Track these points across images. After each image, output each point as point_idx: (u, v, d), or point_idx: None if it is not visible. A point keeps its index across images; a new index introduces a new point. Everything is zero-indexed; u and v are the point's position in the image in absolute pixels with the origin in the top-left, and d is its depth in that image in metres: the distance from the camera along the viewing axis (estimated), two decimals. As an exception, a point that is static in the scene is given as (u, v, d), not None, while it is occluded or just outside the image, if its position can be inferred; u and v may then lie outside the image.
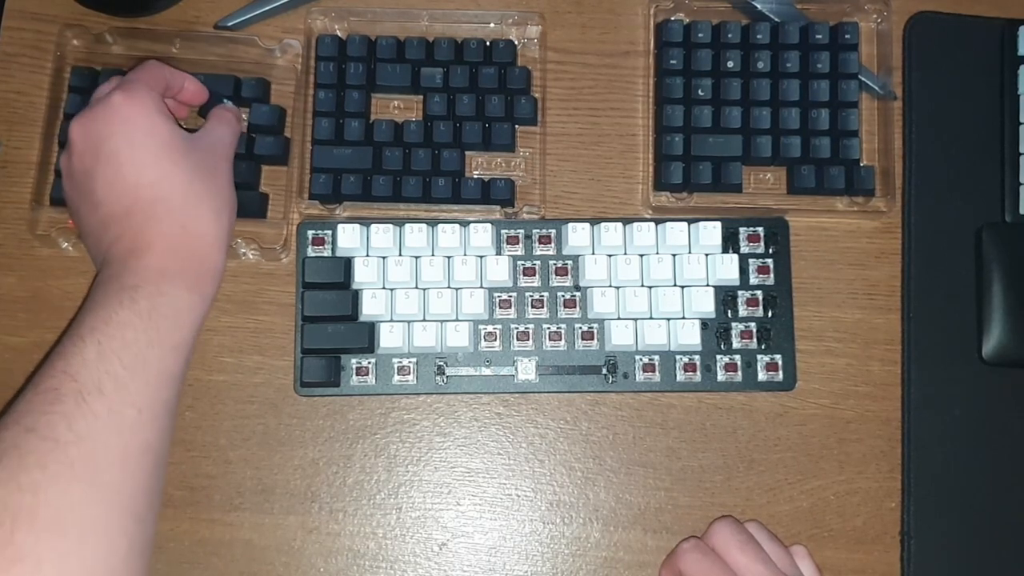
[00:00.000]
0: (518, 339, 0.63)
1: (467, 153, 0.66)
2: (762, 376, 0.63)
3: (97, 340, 0.49)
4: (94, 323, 0.50)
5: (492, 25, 0.69)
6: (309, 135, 0.66)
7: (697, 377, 0.63)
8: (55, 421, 0.46)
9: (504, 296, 0.63)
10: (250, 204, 0.64)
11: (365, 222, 0.64)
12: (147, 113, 0.55)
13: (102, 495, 0.46)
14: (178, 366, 0.52)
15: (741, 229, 0.65)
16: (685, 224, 0.64)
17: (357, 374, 0.62)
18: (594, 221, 0.64)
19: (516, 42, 0.68)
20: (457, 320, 0.63)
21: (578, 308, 0.64)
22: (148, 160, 0.54)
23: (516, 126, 0.67)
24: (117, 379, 0.48)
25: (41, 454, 0.45)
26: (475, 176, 0.67)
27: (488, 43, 0.67)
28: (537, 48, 0.68)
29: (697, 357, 0.63)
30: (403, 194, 0.65)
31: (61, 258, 0.65)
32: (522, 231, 0.64)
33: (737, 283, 0.64)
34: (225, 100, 0.64)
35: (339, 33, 0.68)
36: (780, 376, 0.63)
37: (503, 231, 0.64)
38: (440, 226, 0.64)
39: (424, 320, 0.63)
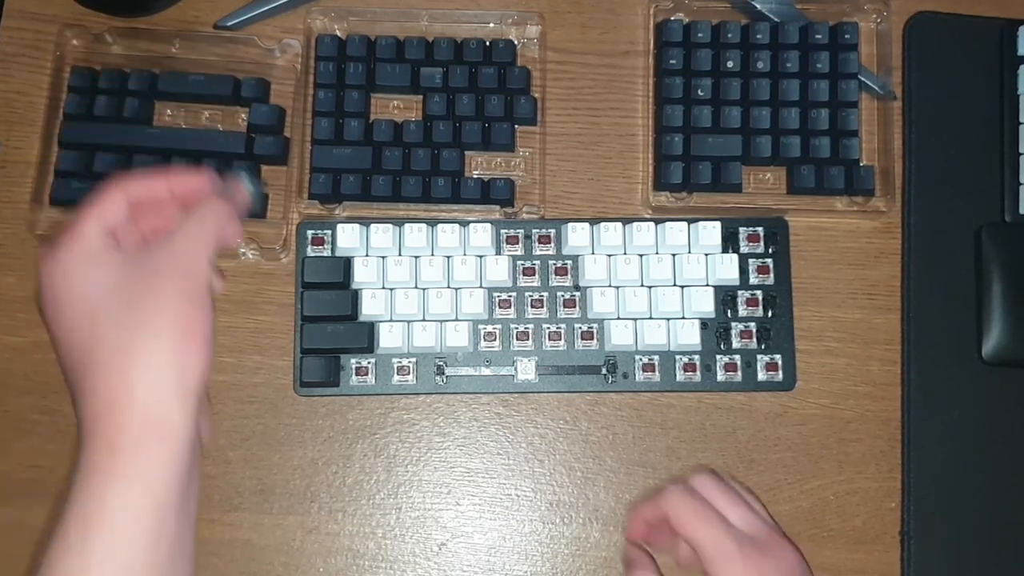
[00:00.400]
0: (518, 339, 0.63)
1: (467, 153, 0.66)
2: (762, 376, 0.63)
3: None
4: (53, 554, 0.41)
5: (491, 25, 0.69)
6: (309, 135, 0.66)
7: (697, 377, 0.63)
8: None
9: (504, 296, 0.63)
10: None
11: (365, 222, 0.63)
12: (66, 271, 0.44)
13: None
14: (155, 551, 0.42)
15: (741, 229, 0.65)
16: (685, 224, 0.64)
17: (357, 374, 0.62)
18: (594, 221, 0.64)
19: (516, 42, 0.68)
20: (457, 320, 0.63)
21: (578, 308, 0.63)
22: (75, 328, 0.44)
23: (516, 126, 0.67)
24: None
25: None
26: (475, 176, 0.67)
27: (488, 43, 0.67)
28: (537, 48, 0.68)
29: (697, 357, 0.63)
30: (403, 194, 0.65)
31: None
32: (522, 231, 0.64)
33: (737, 283, 0.64)
34: (242, 173, 0.57)
35: (339, 33, 0.68)
36: (780, 376, 0.63)
37: (503, 231, 0.64)
38: (440, 226, 0.64)
39: (424, 320, 0.62)
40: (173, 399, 0.42)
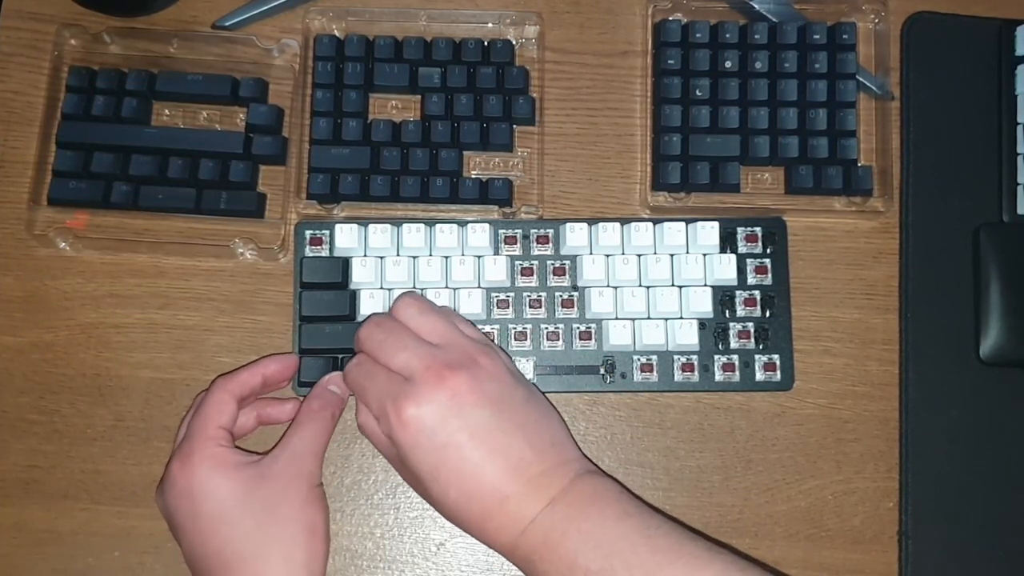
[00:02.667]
0: (516, 339, 0.63)
1: (465, 153, 0.66)
2: (760, 376, 0.63)
3: None
4: None
5: (490, 25, 0.68)
6: (307, 135, 0.66)
7: (695, 377, 0.63)
8: None
9: (502, 296, 0.63)
10: (248, 204, 0.64)
11: (363, 222, 0.63)
12: (201, 480, 0.53)
13: None
14: None
15: (739, 229, 0.65)
16: (683, 224, 0.64)
17: None
18: (592, 221, 0.64)
19: (514, 42, 0.67)
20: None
21: (576, 308, 0.63)
22: (208, 527, 0.52)
23: (514, 126, 0.67)
24: None
25: None
26: (473, 176, 0.66)
27: (486, 43, 0.67)
28: (535, 48, 0.68)
29: (695, 357, 0.63)
30: (401, 194, 0.65)
31: (59, 258, 0.65)
32: (520, 231, 0.64)
33: (735, 283, 0.64)
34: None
35: (337, 33, 0.68)
36: (778, 376, 0.63)
37: (501, 231, 0.64)
38: (438, 226, 0.63)
39: (422, 320, 0.62)
40: None
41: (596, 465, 0.55)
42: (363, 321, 0.57)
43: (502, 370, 0.54)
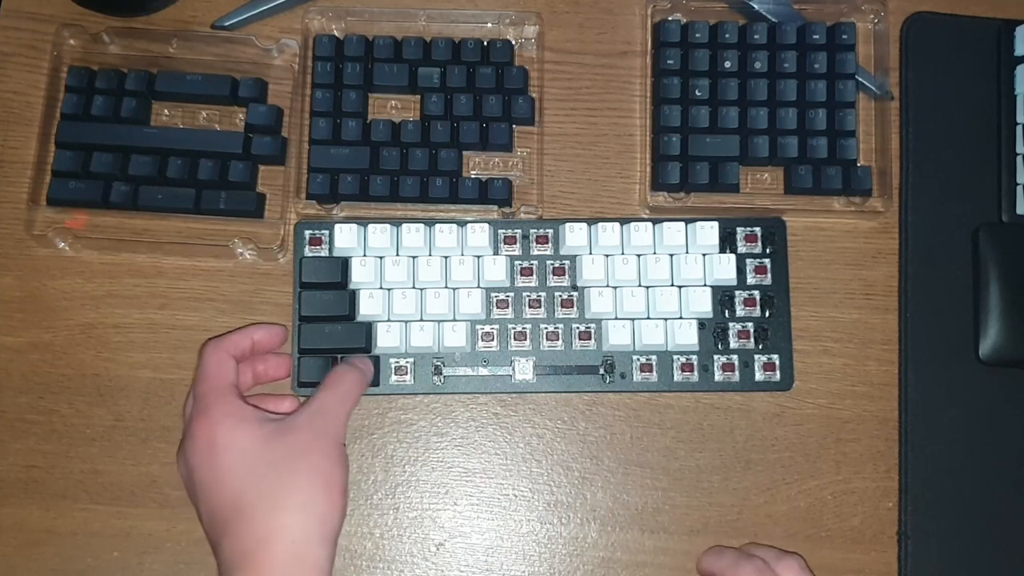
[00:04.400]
0: (515, 339, 0.62)
1: (464, 153, 0.66)
2: (759, 376, 0.63)
3: None
4: None
5: (489, 25, 0.68)
6: (306, 135, 0.65)
7: (694, 377, 0.63)
8: None
9: (501, 296, 0.63)
10: (247, 204, 0.64)
11: (362, 222, 0.63)
12: (223, 431, 0.53)
13: None
14: None
15: (738, 229, 0.64)
16: (682, 224, 0.63)
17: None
18: (591, 221, 0.64)
19: (513, 42, 0.67)
20: (454, 320, 0.62)
21: (575, 308, 0.63)
22: (229, 476, 0.52)
23: (513, 126, 0.66)
24: None
25: None
26: (472, 176, 0.66)
27: (485, 43, 0.67)
28: (535, 48, 0.68)
29: (694, 357, 0.63)
30: (400, 194, 0.64)
31: (58, 258, 0.64)
32: (519, 231, 0.64)
33: (734, 283, 0.64)
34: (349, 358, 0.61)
35: (336, 33, 0.68)
36: (777, 376, 0.63)
37: (500, 231, 0.64)
38: (437, 226, 0.63)
39: (421, 320, 0.62)
40: (319, 539, 0.51)
41: None
42: (747, 558, 0.56)
43: None
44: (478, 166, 0.67)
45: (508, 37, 0.68)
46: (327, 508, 0.52)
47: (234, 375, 0.57)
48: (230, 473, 0.52)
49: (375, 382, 0.62)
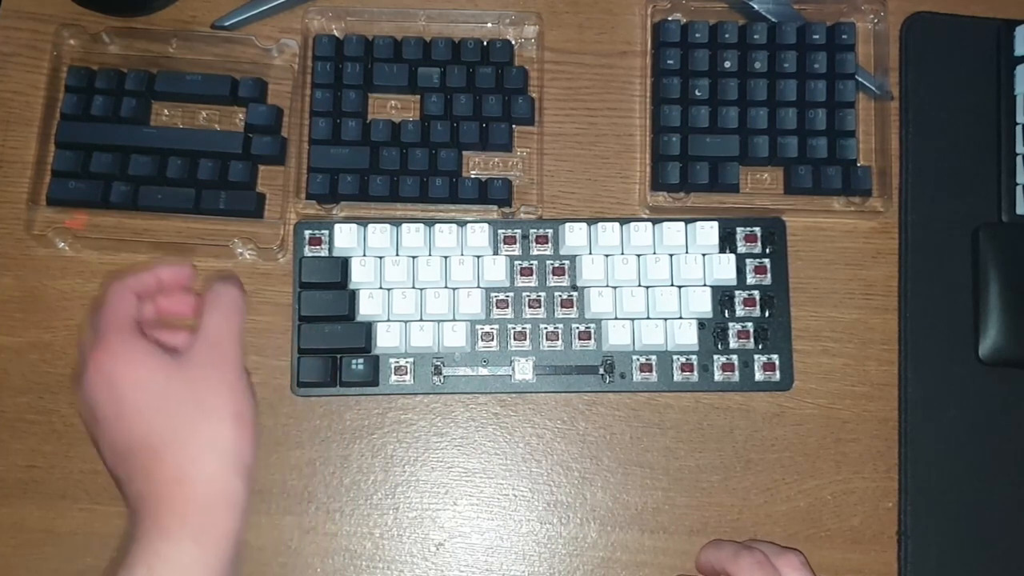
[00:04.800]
0: (515, 339, 0.62)
1: (464, 153, 0.66)
2: (759, 376, 0.63)
3: None
4: None
5: (489, 25, 0.68)
6: (306, 135, 0.65)
7: (694, 377, 0.62)
8: None
9: (501, 296, 0.63)
10: (247, 204, 0.64)
11: (362, 222, 0.63)
12: (123, 366, 0.50)
13: None
14: None
15: (738, 229, 0.64)
16: (682, 224, 0.63)
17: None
18: (591, 221, 0.64)
19: (513, 42, 0.67)
20: (454, 320, 0.62)
21: (575, 308, 0.63)
22: (131, 412, 0.50)
23: (513, 126, 0.66)
24: None
25: None
26: (472, 176, 0.66)
27: (485, 43, 0.66)
28: (535, 48, 0.67)
29: (694, 357, 0.63)
30: (400, 194, 0.64)
31: (57, 258, 0.64)
32: (519, 231, 0.64)
33: (734, 283, 0.63)
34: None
35: (336, 33, 0.67)
36: (777, 376, 0.63)
37: (500, 231, 0.64)
38: (437, 226, 0.63)
39: (421, 320, 0.62)
40: (233, 474, 0.49)
41: None
42: (746, 549, 0.56)
43: None
44: (478, 166, 0.67)
45: (508, 37, 0.67)
46: (238, 442, 0.50)
47: (136, 310, 0.53)
48: (135, 411, 0.50)
49: (375, 382, 0.61)
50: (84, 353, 0.53)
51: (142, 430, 0.49)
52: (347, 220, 0.63)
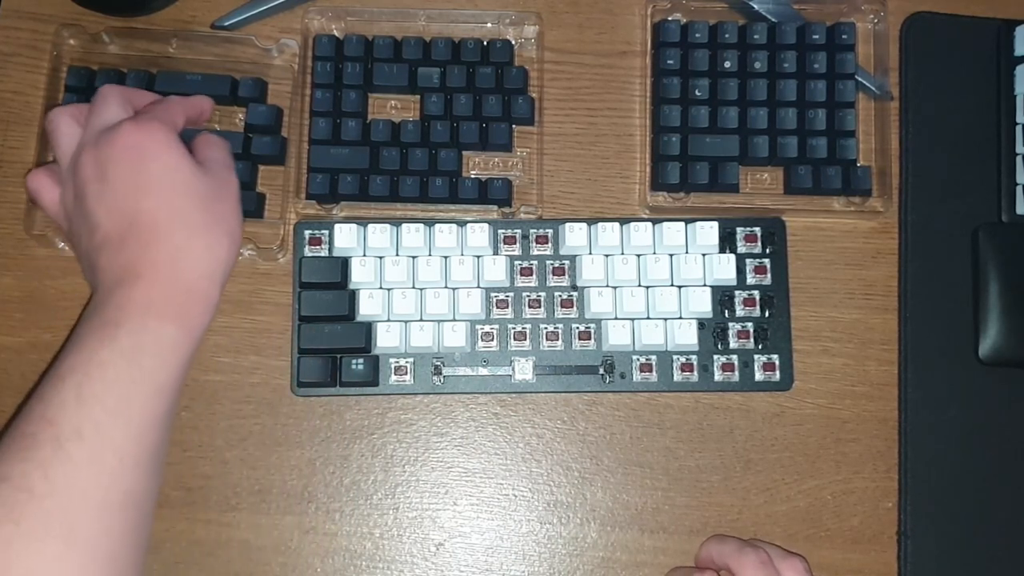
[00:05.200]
0: (515, 339, 0.62)
1: (464, 153, 0.65)
2: (759, 376, 0.62)
3: (77, 382, 0.46)
4: (75, 362, 0.47)
5: (488, 25, 0.68)
6: (306, 135, 0.65)
7: (694, 377, 0.62)
8: (30, 470, 0.43)
9: (501, 296, 0.62)
10: (247, 204, 0.63)
11: (362, 222, 0.63)
12: (156, 141, 0.52)
13: (79, 552, 0.43)
14: (164, 407, 0.48)
15: (738, 229, 0.64)
16: (682, 224, 0.63)
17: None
18: (591, 221, 0.63)
19: (513, 42, 0.67)
20: (454, 320, 0.61)
21: (575, 308, 0.62)
22: (151, 186, 0.51)
23: (513, 126, 0.66)
24: (98, 424, 0.45)
25: (14, 506, 0.42)
26: (472, 176, 0.66)
27: (485, 43, 0.66)
28: (535, 48, 0.67)
29: (694, 357, 0.62)
30: (400, 194, 0.64)
31: (57, 258, 0.63)
32: (519, 231, 0.63)
33: (734, 283, 0.63)
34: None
35: (336, 33, 0.67)
36: (777, 376, 0.62)
37: (500, 231, 0.63)
38: (437, 226, 0.62)
39: (421, 320, 0.61)
40: (216, 282, 0.52)
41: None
42: (750, 547, 0.55)
43: None
44: (478, 166, 0.66)
45: (508, 37, 0.67)
46: (227, 255, 0.53)
47: (181, 125, 0.57)
48: (155, 183, 0.51)
49: (375, 382, 0.61)
50: (95, 130, 0.53)
51: (156, 204, 0.51)
52: (347, 220, 0.63)
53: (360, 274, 0.62)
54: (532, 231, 0.63)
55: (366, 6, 0.67)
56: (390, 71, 0.65)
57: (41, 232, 0.63)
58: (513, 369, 0.62)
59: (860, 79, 0.66)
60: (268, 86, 0.66)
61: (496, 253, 0.63)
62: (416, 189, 0.64)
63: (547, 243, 0.63)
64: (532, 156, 0.66)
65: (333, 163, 0.64)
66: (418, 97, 0.66)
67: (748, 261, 0.63)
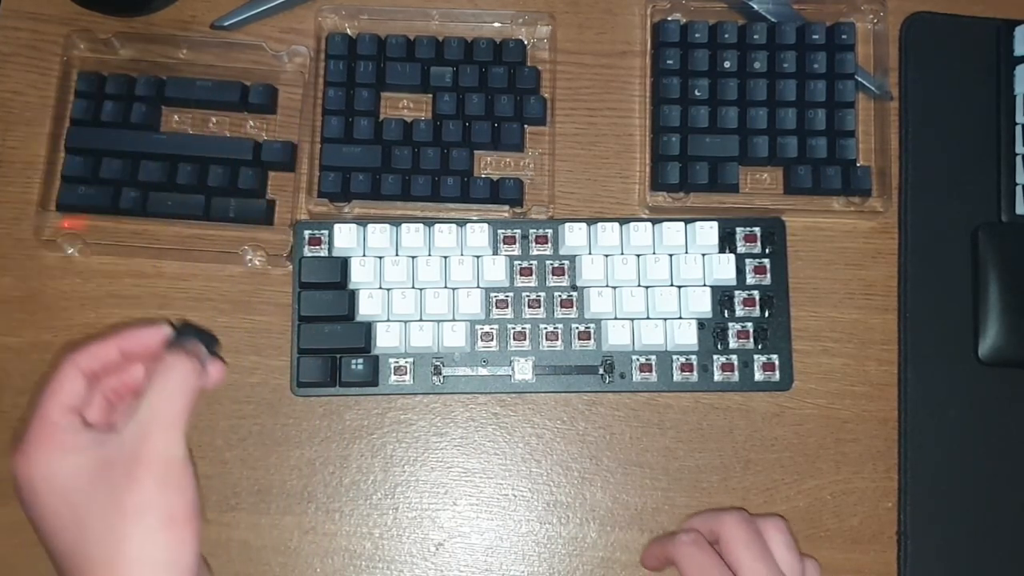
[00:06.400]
0: (515, 339, 0.60)
1: (476, 152, 0.63)
2: (759, 376, 0.60)
3: None
4: None
5: (497, 25, 0.65)
6: (317, 139, 0.63)
7: (694, 377, 0.60)
8: None
9: (501, 296, 0.61)
10: (256, 212, 0.62)
11: (362, 222, 0.61)
12: (41, 471, 0.43)
13: None
14: None
15: (738, 229, 0.62)
16: (682, 224, 0.61)
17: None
18: (591, 221, 0.61)
19: (526, 42, 0.65)
20: (454, 320, 0.60)
21: (575, 308, 0.61)
22: (55, 527, 0.43)
23: (525, 126, 0.64)
24: None
25: None
26: (484, 176, 0.64)
27: (498, 42, 0.64)
28: (546, 48, 0.65)
29: (694, 357, 0.61)
30: (412, 193, 0.61)
31: (58, 259, 0.61)
32: (519, 231, 0.62)
33: (734, 283, 0.61)
34: (191, 336, 0.47)
35: (349, 31, 0.65)
36: (777, 376, 0.60)
37: (500, 231, 0.62)
38: (437, 226, 0.61)
39: (421, 320, 0.59)
40: None
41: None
42: (730, 510, 0.53)
43: None
44: (489, 166, 0.64)
45: (520, 37, 0.66)
46: (170, 549, 0.42)
47: (77, 398, 0.45)
48: (57, 522, 0.43)
49: (374, 382, 0.60)
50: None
51: (66, 543, 0.42)
52: (358, 220, 0.61)
53: (360, 274, 0.60)
54: (532, 231, 0.62)
55: (379, 5, 0.65)
56: (403, 70, 0.64)
57: (51, 238, 0.61)
58: (513, 369, 0.60)
59: (860, 79, 0.64)
60: (279, 93, 0.64)
61: (496, 253, 0.61)
62: (428, 188, 0.62)
63: (547, 243, 0.62)
64: (544, 156, 0.64)
65: (345, 162, 0.62)
66: (430, 96, 0.64)
67: (748, 261, 0.62)
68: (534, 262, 0.61)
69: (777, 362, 0.60)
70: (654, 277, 0.60)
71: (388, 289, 0.60)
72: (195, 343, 0.47)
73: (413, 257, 0.60)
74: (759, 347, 0.60)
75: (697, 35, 0.64)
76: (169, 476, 0.43)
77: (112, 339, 0.47)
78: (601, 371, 0.60)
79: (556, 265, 0.61)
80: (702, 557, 0.50)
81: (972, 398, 0.61)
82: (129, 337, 0.47)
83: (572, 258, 0.61)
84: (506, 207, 0.63)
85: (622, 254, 0.61)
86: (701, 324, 0.60)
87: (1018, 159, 0.64)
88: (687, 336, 0.60)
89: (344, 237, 0.60)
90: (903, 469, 0.61)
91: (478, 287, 0.60)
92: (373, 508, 0.59)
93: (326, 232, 0.61)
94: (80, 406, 0.45)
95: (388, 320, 0.60)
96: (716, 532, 0.51)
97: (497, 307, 0.60)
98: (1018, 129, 0.64)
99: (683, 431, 0.61)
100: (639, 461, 0.60)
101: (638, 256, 0.61)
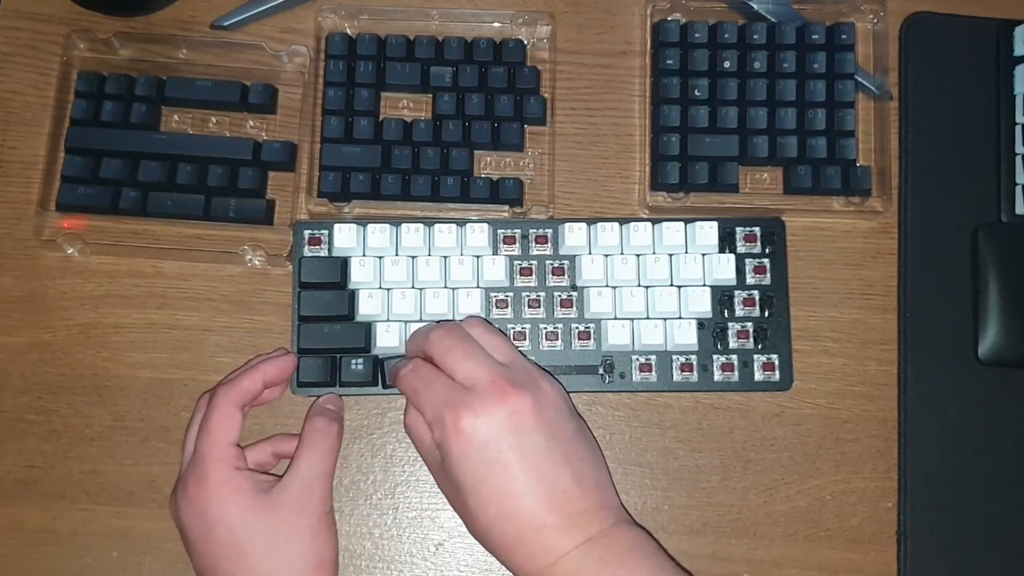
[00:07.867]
0: (515, 339, 0.58)
1: (476, 152, 0.61)
2: (759, 376, 0.59)
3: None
4: None
5: (497, 25, 0.63)
6: (317, 139, 0.60)
7: (694, 377, 0.59)
8: None
9: (501, 296, 0.59)
10: (256, 212, 0.60)
11: (362, 222, 0.60)
12: (216, 505, 0.50)
13: None
14: None
15: (738, 229, 0.60)
16: (681, 224, 0.59)
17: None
18: (591, 221, 0.60)
19: (526, 42, 0.63)
20: (454, 320, 0.59)
21: (574, 308, 0.59)
22: (219, 553, 0.49)
23: (525, 126, 0.62)
24: None
25: None
26: (484, 175, 0.62)
27: (498, 42, 0.62)
28: (546, 48, 0.63)
29: (694, 357, 0.59)
30: (412, 193, 0.59)
31: (57, 258, 0.59)
32: (518, 231, 0.60)
33: (734, 283, 0.60)
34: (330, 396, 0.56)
35: (349, 31, 0.63)
36: (776, 376, 0.59)
37: (499, 231, 0.60)
38: (437, 226, 0.59)
39: (421, 320, 0.57)
40: None
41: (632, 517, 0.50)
42: (428, 325, 0.53)
43: (560, 400, 0.50)
44: (489, 166, 0.62)
45: (520, 37, 0.64)
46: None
47: (237, 433, 0.52)
48: (222, 549, 0.49)
49: (375, 382, 0.58)
50: (183, 469, 0.52)
51: (227, 568, 0.49)
52: (358, 220, 0.59)
53: (360, 274, 0.58)
54: (532, 231, 0.60)
55: (379, 5, 0.63)
56: (403, 70, 0.62)
57: (51, 238, 0.59)
58: (513, 369, 0.59)
59: (860, 79, 0.62)
60: (278, 93, 0.62)
61: (496, 253, 0.59)
62: (428, 188, 0.60)
63: (547, 243, 0.60)
64: (544, 156, 0.62)
65: (345, 162, 0.60)
66: (430, 96, 0.62)
67: (748, 261, 0.60)
68: (534, 262, 0.59)
69: (777, 362, 0.59)
70: (654, 277, 0.59)
71: (388, 289, 0.58)
72: (337, 400, 0.57)
73: (413, 257, 0.59)
74: (759, 347, 0.59)
75: (697, 35, 0.62)
76: (323, 526, 0.51)
77: (255, 373, 0.54)
78: (601, 371, 0.58)
79: (556, 265, 0.59)
80: (420, 382, 0.50)
81: (972, 398, 0.59)
82: (270, 370, 0.54)
83: (572, 258, 0.60)
84: (506, 207, 0.61)
85: (622, 254, 0.59)
86: (701, 324, 0.59)
87: (1018, 159, 0.61)
88: (687, 336, 0.58)
89: (344, 237, 0.58)
90: (903, 469, 0.58)
91: (478, 287, 0.59)
92: (373, 508, 0.58)
93: (326, 232, 0.59)
94: (239, 438, 0.52)
95: (388, 320, 0.58)
96: (428, 352, 0.51)
97: (497, 307, 0.59)
98: (1018, 129, 0.62)
99: (683, 431, 0.59)
100: (639, 461, 0.59)
101: (638, 256, 0.59)
